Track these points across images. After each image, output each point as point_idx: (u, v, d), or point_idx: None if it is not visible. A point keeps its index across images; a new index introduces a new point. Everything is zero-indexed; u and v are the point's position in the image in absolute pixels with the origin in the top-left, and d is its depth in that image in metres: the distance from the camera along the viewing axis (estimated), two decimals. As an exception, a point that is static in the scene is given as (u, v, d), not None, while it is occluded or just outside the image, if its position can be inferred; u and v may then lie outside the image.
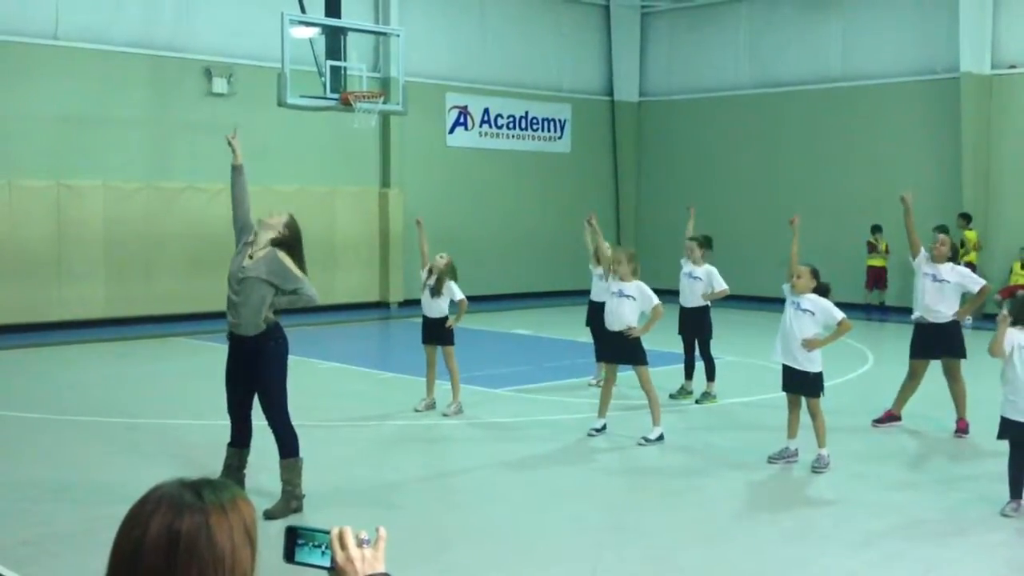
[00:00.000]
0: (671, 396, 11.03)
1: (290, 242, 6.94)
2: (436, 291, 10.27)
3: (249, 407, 7.08)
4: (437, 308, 10.35)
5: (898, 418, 9.87)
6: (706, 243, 11.23)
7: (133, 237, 16.98)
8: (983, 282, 9.61)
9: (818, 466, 8.20)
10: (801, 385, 8.30)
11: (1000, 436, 7.18)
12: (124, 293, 16.91)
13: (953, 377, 9.55)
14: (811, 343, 8.15)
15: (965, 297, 9.86)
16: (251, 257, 6.85)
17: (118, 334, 15.67)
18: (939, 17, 19.41)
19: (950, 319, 9.50)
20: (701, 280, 11.01)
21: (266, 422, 7.02)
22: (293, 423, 7.03)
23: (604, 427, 9.41)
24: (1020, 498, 7.06)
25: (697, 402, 10.99)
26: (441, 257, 10.30)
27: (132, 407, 10.45)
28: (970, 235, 18.24)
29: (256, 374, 6.88)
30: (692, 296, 11.07)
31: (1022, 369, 6.89)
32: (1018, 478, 7.08)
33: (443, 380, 10.42)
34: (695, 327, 11.12)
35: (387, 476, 8.04)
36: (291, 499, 6.91)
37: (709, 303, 11.10)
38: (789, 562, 6.24)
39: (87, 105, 16.62)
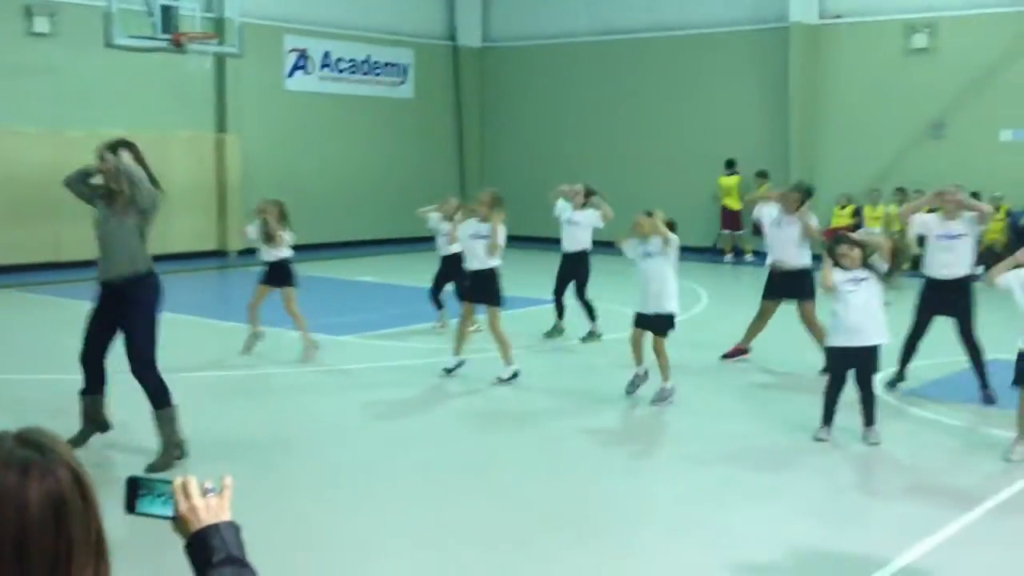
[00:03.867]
0: (545, 334, 11.43)
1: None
2: (269, 238, 10.12)
3: (106, 352, 6.85)
4: (270, 252, 10.21)
5: (745, 351, 10.31)
6: (590, 191, 11.56)
7: (-51, 185, 16.02)
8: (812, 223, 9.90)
9: (660, 398, 8.54)
10: (653, 323, 8.61)
11: (825, 367, 7.62)
12: (-59, 244, 15.98)
13: (808, 321, 9.86)
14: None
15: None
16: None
17: (-64, 287, 14.82)
18: (769, -32, 19.99)
19: (800, 265, 9.84)
20: (580, 224, 11.36)
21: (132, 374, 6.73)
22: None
23: (461, 363, 9.47)
24: (830, 424, 7.52)
25: (583, 340, 11.32)
26: (268, 204, 10.19)
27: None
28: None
29: (125, 319, 6.63)
30: (573, 241, 11.41)
31: (843, 304, 7.34)
32: (831, 406, 7.53)
33: (284, 328, 10.30)
34: (573, 271, 11.45)
35: (230, 426, 7.91)
36: (172, 448, 6.73)
37: (588, 248, 11.38)
38: (631, 491, 6.49)
39: None
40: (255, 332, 10.31)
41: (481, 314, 9.65)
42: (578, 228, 11.44)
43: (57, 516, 1.52)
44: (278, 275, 10.21)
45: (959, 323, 8.65)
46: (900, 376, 8.94)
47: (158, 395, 6.74)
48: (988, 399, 8.52)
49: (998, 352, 8.46)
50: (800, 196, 9.94)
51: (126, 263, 6.63)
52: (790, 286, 9.92)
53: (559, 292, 11.59)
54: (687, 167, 20.92)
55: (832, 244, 7.62)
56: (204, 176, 19.36)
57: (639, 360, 8.73)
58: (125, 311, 6.66)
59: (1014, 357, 6.98)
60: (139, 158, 6.62)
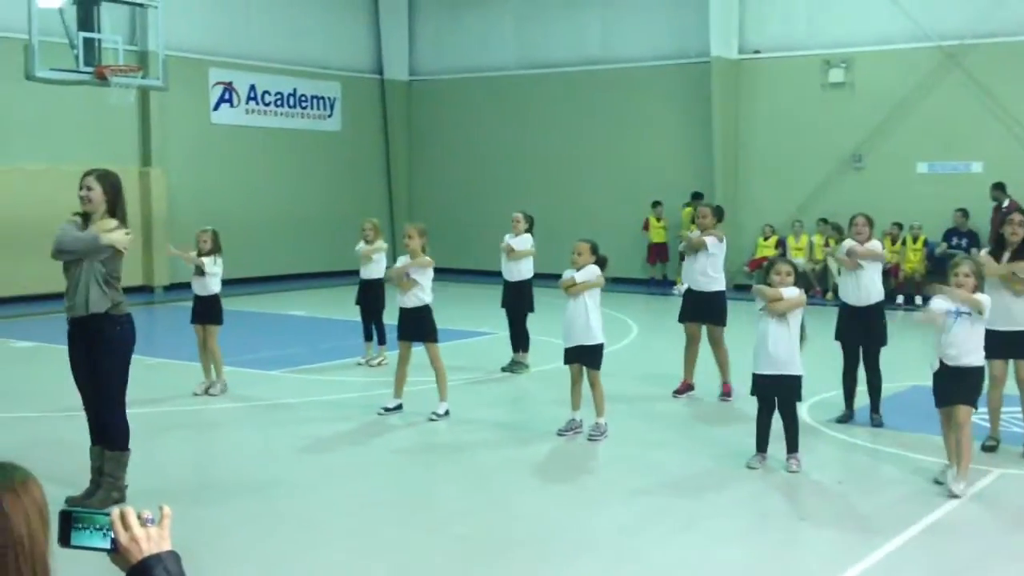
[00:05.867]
0: (503, 369, 11.36)
1: (112, 199, 6.75)
2: (202, 270, 10.24)
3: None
4: (202, 287, 10.28)
5: (692, 387, 10.28)
6: (529, 219, 11.58)
7: None
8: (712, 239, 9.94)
9: (595, 434, 8.54)
10: (583, 356, 8.56)
11: (752, 392, 7.75)
12: None
13: (716, 343, 10.07)
14: (573, 287, 8.41)
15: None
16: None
17: None
18: (690, 4, 20.41)
19: (715, 289, 10.00)
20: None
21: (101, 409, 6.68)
22: (82, 412, 6.78)
23: (400, 407, 9.37)
24: (764, 451, 7.66)
25: (509, 370, 11.29)
26: (204, 234, 10.25)
27: None
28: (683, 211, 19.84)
29: (93, 358, 6.55)
30: (514, 271, 11.38)
31: (764, 327, 7.48)
32: (764, 433, 7.66)
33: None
34: (519, 300, 11.39)
35: (160, 464, 7.78)
36: (112, 490, 6.66)
37: (530, 276, 11.38)
38: (563, 525, 6.51)
39: None
40: None
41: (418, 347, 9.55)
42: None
43: None
44: (203, 312, 10.40)
45: (867, 349, 8.94)
46: (849, 413, 9.07)
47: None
48: (876, 423, 8.86)
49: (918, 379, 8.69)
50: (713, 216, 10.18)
51: (84, 303, 6.56)
52: (704, 309, 10.06)
53: (514, 324, 11.47)
54: (614, 198, 21.20)
55: (772, 262, 7.71)
56: (129, 210, 18.97)
57: (576, 405, 8.66)
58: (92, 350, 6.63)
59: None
60: (115, 190, 6.73)
